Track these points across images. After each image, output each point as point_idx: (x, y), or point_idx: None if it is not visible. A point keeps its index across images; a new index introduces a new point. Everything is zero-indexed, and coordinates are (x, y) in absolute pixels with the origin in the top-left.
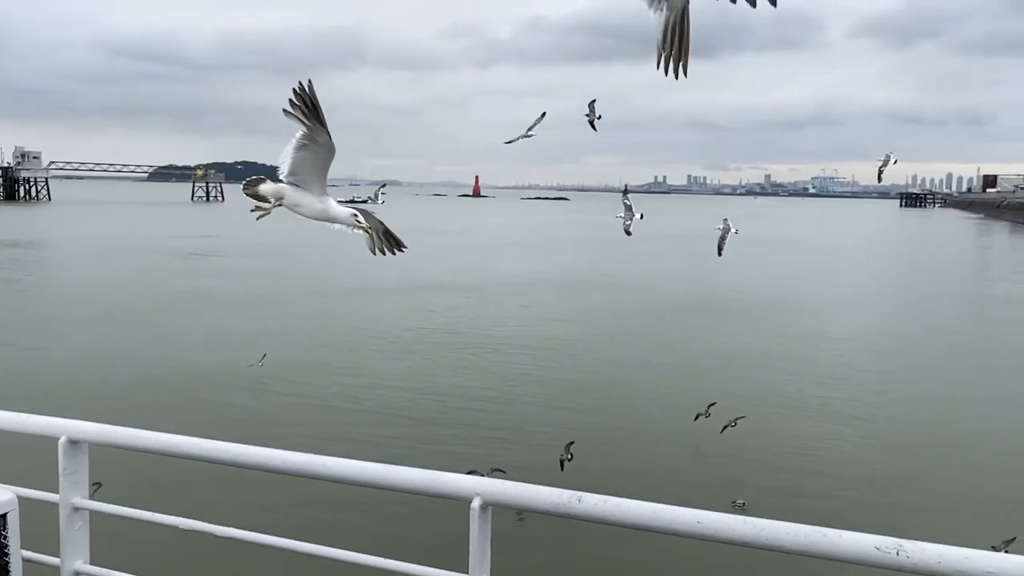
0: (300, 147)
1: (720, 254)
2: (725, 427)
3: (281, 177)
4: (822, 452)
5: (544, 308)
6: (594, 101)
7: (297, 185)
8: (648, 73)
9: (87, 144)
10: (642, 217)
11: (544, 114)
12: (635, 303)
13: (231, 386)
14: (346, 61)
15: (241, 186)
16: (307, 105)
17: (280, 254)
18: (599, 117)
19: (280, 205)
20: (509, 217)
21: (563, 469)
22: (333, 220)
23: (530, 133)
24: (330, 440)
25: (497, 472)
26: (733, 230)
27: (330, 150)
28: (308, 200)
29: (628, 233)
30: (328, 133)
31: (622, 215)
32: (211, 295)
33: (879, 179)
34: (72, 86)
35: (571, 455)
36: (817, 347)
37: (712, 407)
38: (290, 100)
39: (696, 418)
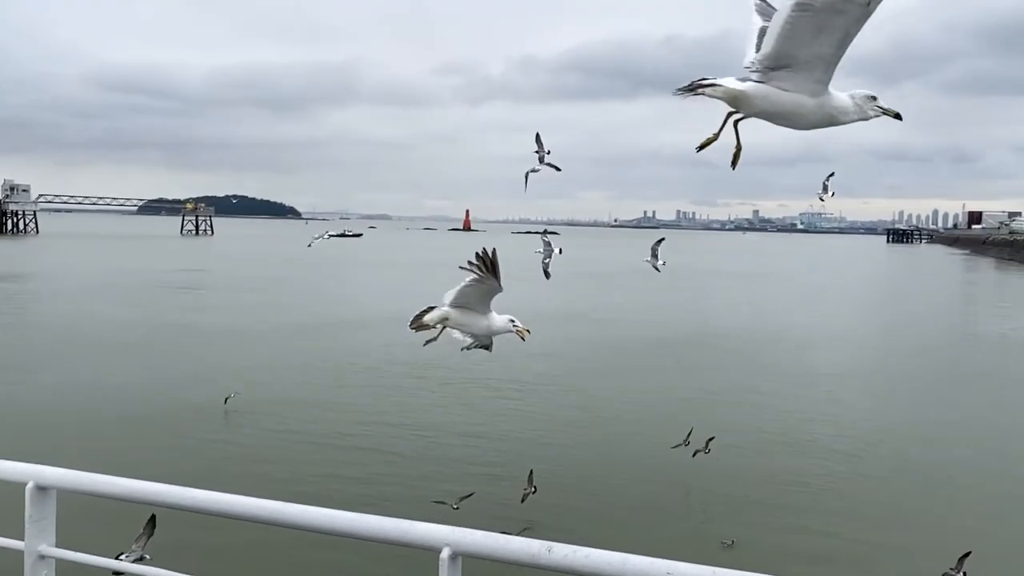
0: (473, 283)
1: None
2: (696, 452)
3: (446, 303)
4: (811, 489)
5: (532, 342)
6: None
7: (462, 307)
8: (637, 110)
9: (77, 177)
10: (561, 252)
11: (549, 152)
12: (624, 338)
13: (211, 424)
14: (339, 97)
15: (408, 324)
16: (487, 265)
17: (268, 288)
18: (548, 152)
19: (446, 327)
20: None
21: (523, 501)
22: (496, 333)
23: (542, 166)
24: (308, 478)
25: (464, 500)
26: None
27: (497, 290)
28: (474, 319)
29: (547, 274)
30: (499, 281)
31: (540, 251)
32: (196, 329)
33: (822, 207)
34: (62, 119)
35: (534, 488)
36: (806, 383)
37: (691, 435)
38: (471, 261)
39: (676, 447)
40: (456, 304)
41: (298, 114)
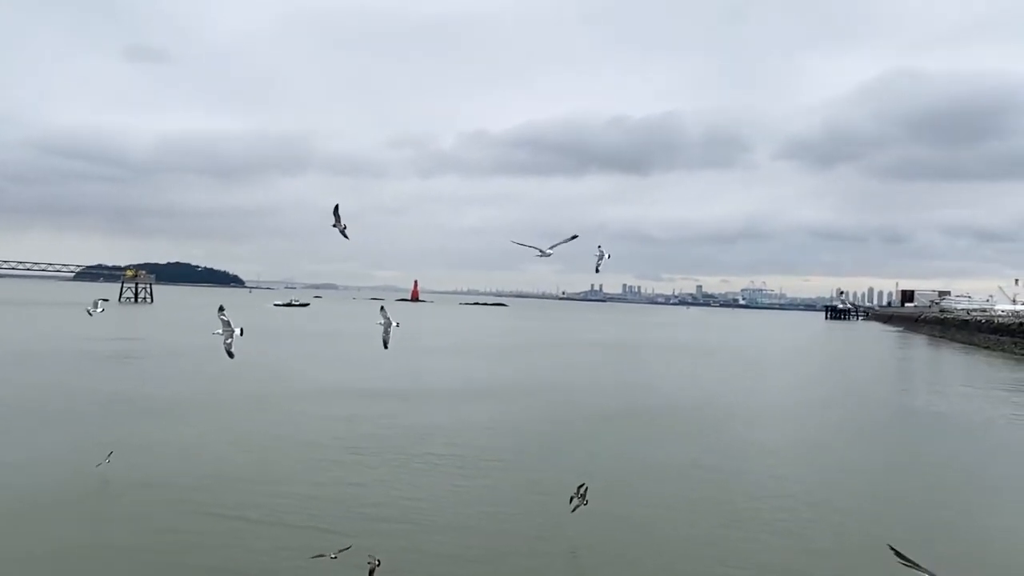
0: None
1: (386, 347)
2: (575, 506)
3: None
4: (752, 565)
5: (477, 416)
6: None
7: None
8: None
9: (12, 243)
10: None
11: (575, 236)
12: (566, 410)
13: (145, 502)
14: (288, 166)
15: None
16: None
17: (204, 357)
18: (345, 227)
19: None
20: (446, 321)
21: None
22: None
23: (550, 250)
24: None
25: (371, 558)
26: (395, 324)
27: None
28: None
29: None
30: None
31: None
32: (119, 399)
33: (596, 270)
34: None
35: (378, 561)
36: (747, 456)
37: (583, 488)
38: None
39: (571, 500)
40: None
41: (245, 182)
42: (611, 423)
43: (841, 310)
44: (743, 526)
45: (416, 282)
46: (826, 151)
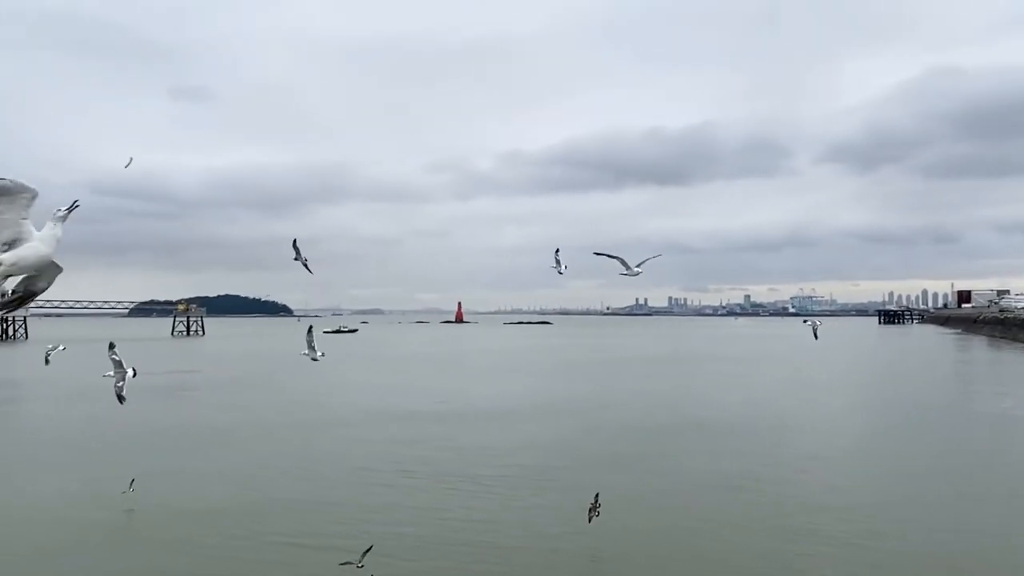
0: None
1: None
2: (591, 517)
3: None
4: None
5: (526, 436)
6: (558, 250)
7: None
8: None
9: (69, 282)
10: (135, 375)
11: (659, 255)
12: (614, 427)
13: (210, 530)
14: (330, 195)
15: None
16: None
17: (259, 387)
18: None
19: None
20: (491, 341)
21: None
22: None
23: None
24: None
25: (367, 553)
26: (320, 354)
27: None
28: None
29: (121, 400)
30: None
31: (110, 374)
32: (184, 430)
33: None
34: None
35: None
36: (802, 467)
37: (598, 496)
38: None
39: (589, 512)
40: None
41: (289, 213)
42: (660, 438)
43: (895, 314)
44: (800, 539)
45: (460, 304)
46: (869, 153)
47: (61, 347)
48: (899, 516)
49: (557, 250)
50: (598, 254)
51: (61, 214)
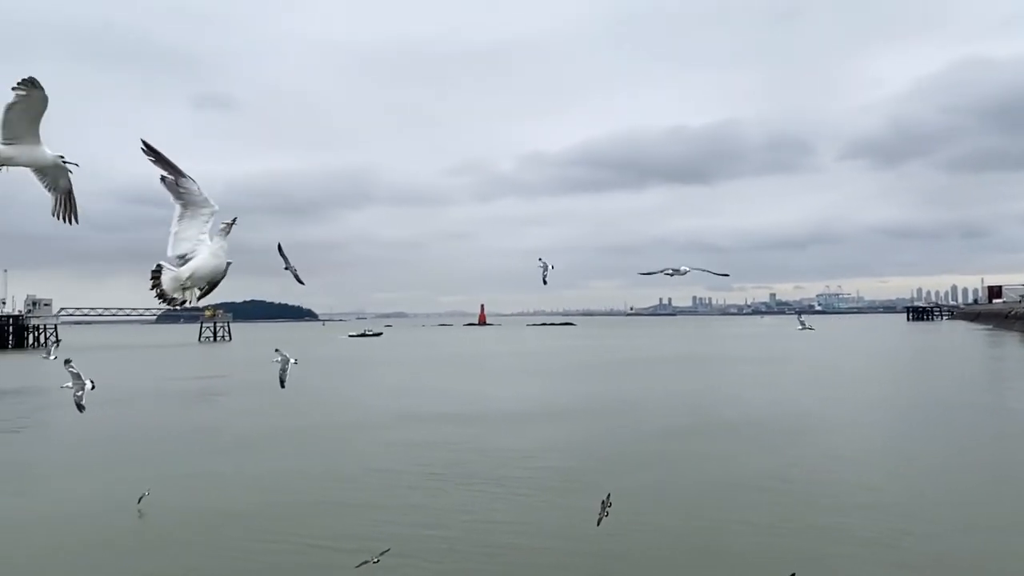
0: (15, 105)
1: (283, 386)
2: (600, 519)
3: None
4: None
5: (552, 437)
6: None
7: (12, 140)
8: (645, 199)
9: (96, 289)
10: (93, 387)
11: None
12: (641, 428)
13: (221, 534)
14: (353, 200)
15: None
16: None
17: (284, 392)
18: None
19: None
20: (515, 343)
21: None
22: (45, 164)
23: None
24: None
25: (385, 553)
26: (292, 360)
27: (40, 109)
28: (28, 151)
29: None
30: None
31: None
32: (211, 434)
33: (544, 282)
34: (82, 232)
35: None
36: (832, 468)
37: (610, 496)
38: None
39: (601, 511)
40: (7, 138)
41: (312, 218)
42: (687, 439)
43: (924, 310)
44: (833, 540)
45: (482, 306)
46: (893, 148)
47: (52, 356)
48: (930, 516)
49: (540, 259)
50: (644, 274)
51: (224, 228)
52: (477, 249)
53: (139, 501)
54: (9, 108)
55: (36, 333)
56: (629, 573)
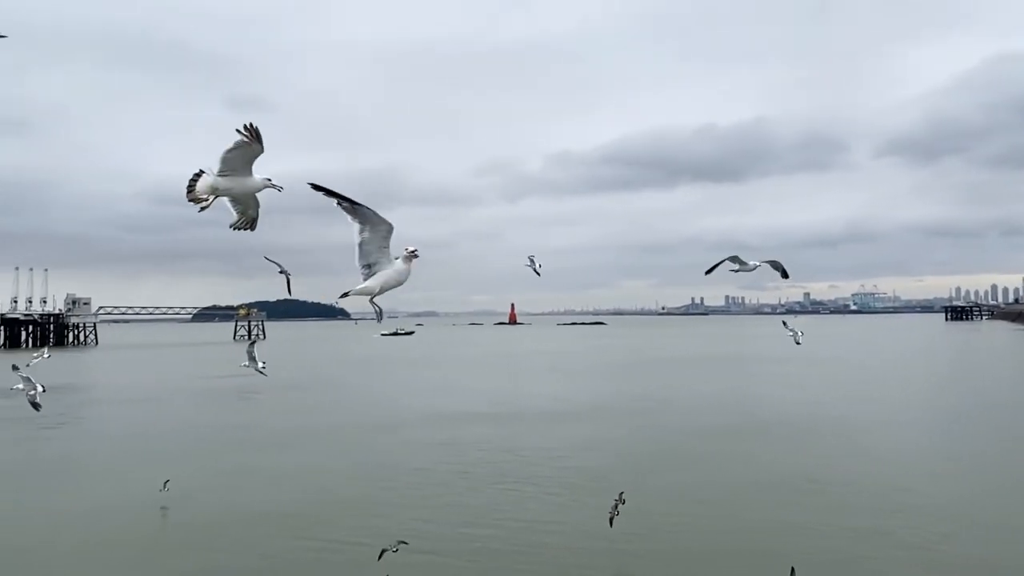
0: (235, 149)
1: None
2: (612, 518)
3: (214, 172)
4: None
5: (583, 437)
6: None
7: (229, 173)
8: (675, 198)
9: (134, 288)
10: (44, 390)
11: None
12: (673, 429)
13: (267, 530)
14: (383, 200)
15: (186, 198)
16: (252, 132)
17: (320, 389)
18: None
19: (218, 196)
20: (546, 343)
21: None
22: (255, 190)
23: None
24: None
25: (402, 543)
26: (261, 364)
27: (258, 152)
28: (240, 182)
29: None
30: (261, 144)
31: (20, 387)
32: (245, 432)
33: (537, 273)
34: (120, 234)
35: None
36: (869, 470)
37: (623, 494)
38: (240, 129)
39: (613, 510)
40: (223, 171)
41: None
42: (720, 440)
43: (963, 310)
44: (869, 542)
45: (512, 305)
46: (930, 145)
47: (46, 355)
48: (971, 519)
49: (530, 257)
50: (709, 272)
51: (408, 254)
52: (506, 249)
53: (164, 486)
54: (230, 150)
55: (76, 331)
56: (660, 573)
